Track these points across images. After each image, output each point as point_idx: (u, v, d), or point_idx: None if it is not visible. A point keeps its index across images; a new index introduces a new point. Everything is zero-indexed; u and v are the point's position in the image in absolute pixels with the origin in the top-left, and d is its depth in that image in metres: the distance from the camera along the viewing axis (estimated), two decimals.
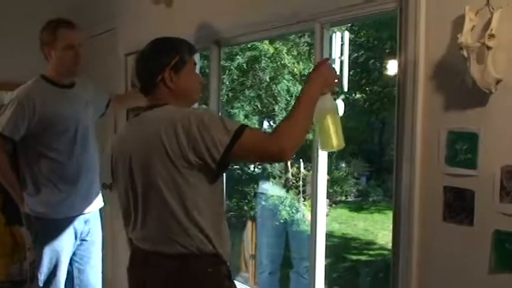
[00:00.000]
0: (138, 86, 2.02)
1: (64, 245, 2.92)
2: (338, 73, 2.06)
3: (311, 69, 2.00)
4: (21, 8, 4.78)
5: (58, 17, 2.96)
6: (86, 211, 3.00)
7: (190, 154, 1.79)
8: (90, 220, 3.06)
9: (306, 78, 1.98)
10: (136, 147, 1.92)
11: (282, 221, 6.47)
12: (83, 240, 3.04)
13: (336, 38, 4.13)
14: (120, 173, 2.02)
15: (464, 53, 1.75)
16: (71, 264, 3.05)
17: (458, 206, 1.86)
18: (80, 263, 3.06)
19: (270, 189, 8.05)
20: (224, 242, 1.93)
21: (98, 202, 3.11)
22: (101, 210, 3.19)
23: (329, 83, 1.94)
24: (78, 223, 2.98)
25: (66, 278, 3.04)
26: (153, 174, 1.85)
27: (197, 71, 2.12)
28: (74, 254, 3.04)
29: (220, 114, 1.78)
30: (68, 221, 2.94)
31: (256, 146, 1.80)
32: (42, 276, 2.92)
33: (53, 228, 2.89)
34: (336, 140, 1.99)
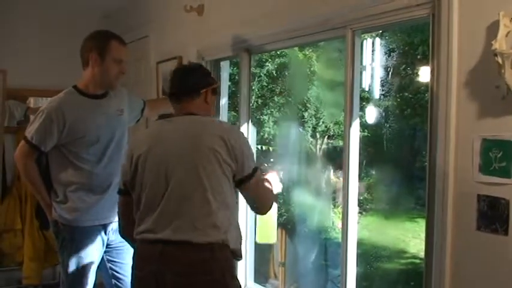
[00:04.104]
0: (178, 90, 2.32)
1: (90, 252, 2.93)
2: None
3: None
4: (56, 17, 4.89)
5: (108, 30, 3.01)
6: (114, 219, 3.01)
7: (232, 160, 2.11)
8: None
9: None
10: (182, 144, 2.16)
11: (312, 228, 6.44)
12: (114, 248, 3.06)
13: (367, 44, 4.11)
14: (152, 164, 2.17)
15: (499, 59, 1.72)
16: (108, 272, 3.08)
17: (493, 215, 1.83)
18: (116, 271, 3.08)
19: (299, 196, 8.03)
20: (239, 239, 2.19)
21: None
22: None
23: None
24: (106, 231, 3.00)
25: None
26: (198, 171, 2.08)
27: None
28: (109, 261, 3.06)
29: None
30: (95, 229, 2.94)
31: (266, 188, 2.29)
32: (67, 283, 2.95)
33: (79, 235, 2.90)
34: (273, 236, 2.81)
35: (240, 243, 2.20)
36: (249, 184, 2.16)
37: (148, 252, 2.13)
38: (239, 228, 2.22)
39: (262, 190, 2.26)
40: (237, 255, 2.18)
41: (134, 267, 2.23)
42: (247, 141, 2.27)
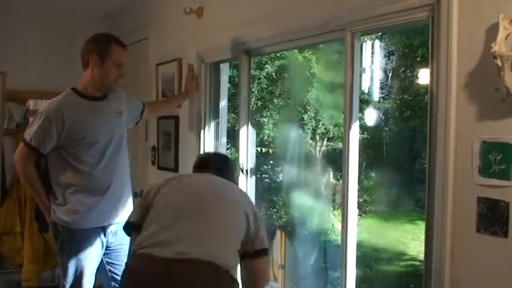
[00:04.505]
0: (209, 163, 2.54)
1: (89, 254, 2.93)
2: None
3: None
4: (56, 20, 4.89)
5: (108, 32, 3.03)
6: (114, 221, 3.01)
7: (250, 228, 2.21)
8: (119, 230, 3.06)
9: None
10: (214, 192, 2.31)
11: (312, 230, 6.43)
12: (113, 250, 3.05)
13: (367, 46, 4.12)
14: (179, 196, 2.29)
15: (498, 62, 1.72)
16: (107, 274, 3.08)
17: (492, 217, 1.83)
18: (115, 273, 3.07)
19: (299, 198, 8.03)
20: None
21: (128, 212, 3.11)
22: None
23: None
24: (106, 233, 2.99)
25: None
26: (229, 214, 2.22)
27: None
28: (108, 264, 3.06)
29: None
30: (95, 231, 2.94)
31: (263, 272, 2.32)
32: (67, 285, 2.94)
33: (79, 237, 2.90)
34: None
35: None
36: (258, 260, 2.24)
37: (147, 269, 2.08)
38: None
39: (262, 277, 2.30)
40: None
41: (125, 277, 2.20)
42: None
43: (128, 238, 3.15)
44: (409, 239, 9.06)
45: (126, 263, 2.30)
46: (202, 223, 2.15)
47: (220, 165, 2.51)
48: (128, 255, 2.42)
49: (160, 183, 2.37)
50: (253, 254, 2.21)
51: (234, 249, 2.17)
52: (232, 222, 2.19)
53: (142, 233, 2.19)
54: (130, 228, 2.39)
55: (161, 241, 2.09)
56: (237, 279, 2.14)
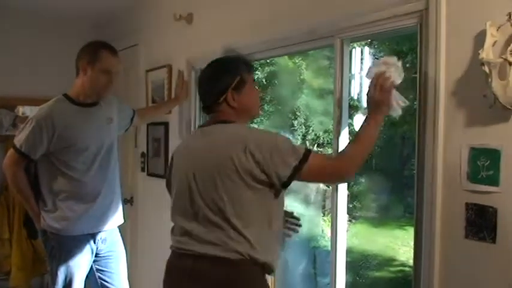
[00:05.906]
0: (203, 103, 2.18)
1: (79, 261, 2.92)
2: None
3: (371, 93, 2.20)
4: (46, 27, 4.88)
5: (102, 40, 3.03)
6: (103, 228, 3.00)
7: (258, 172, 1.92)
8: (108, 237, 3.05)
9: (370, 102, 2.19)
10: (204, 157, 2.01)
11: (302, 236, 6.41)
12: (103, 257, 3.04)
13: (356, 53, 4.13)
14: (178, 177, 2.12)
15: (486, 68, 1.74)
16: (96, 282, 3.06)
17: (481, 223, 1.84)
18: (105, 280, 3.06)
19: (289, 204, 8.03)
20: (270, 252, 2.01)
21: (118, 219, 3.11)
22: (121, 226, 3.19)
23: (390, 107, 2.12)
24: (95, 240, 2.98)
25: None
26: (217, 183, 1.95)
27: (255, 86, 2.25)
28: (98, 271, 3.05)
29: (288, 137, 2.06)
30: (84, 238, 2.94)
31: (322, 170, 2.00)
32: None
33: (69, 244, 2.89)
34: None
35: (271, 256, 2.02)
36: (301, 173, 1.93)
37: (176, 266, 2.08)
38: (271, 242, 2.02)
39: (322, 175, 2.03)
40: (265, 269, 2.01)
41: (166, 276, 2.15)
42: (281, 141, 1.98)
43: (118, 245, 3.15)
44: (399, 245, 9.08)
45: None
46: (198, 218, 1.99)
47: (211, 99, 2.11)
48: None
49: (174, 159, 2.22)
50: (286, 183, 1.95)
51: (257, 222, 1.95)
52: (242, 196, 1.93)
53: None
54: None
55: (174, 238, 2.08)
56: (253, 262, 1.94)
